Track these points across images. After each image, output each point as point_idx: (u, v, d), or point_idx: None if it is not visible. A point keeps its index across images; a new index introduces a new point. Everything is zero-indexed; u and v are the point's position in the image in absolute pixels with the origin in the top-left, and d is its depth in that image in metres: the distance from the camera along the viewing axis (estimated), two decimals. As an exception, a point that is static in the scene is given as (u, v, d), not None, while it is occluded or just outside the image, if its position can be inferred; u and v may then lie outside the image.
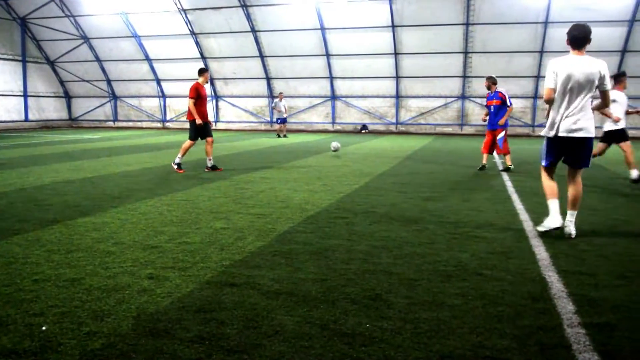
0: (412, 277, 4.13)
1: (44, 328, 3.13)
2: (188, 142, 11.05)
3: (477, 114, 27.89)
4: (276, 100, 25.31)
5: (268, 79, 30.33)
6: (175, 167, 10.92)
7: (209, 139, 11.21)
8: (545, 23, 24.75)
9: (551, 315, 3.42)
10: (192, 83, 11.08)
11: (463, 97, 27.88)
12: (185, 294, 3.73)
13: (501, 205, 7.33)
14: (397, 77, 28.19)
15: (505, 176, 10.52)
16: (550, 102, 5.51)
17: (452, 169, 11.91)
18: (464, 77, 27.31)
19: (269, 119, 31.21)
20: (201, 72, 11.23)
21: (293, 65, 29.50)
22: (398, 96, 28.60)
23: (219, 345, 2.93)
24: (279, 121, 25.10)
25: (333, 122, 30.22)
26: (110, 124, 34.63)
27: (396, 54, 27.30)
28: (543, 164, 5.83)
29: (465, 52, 26.53)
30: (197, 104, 10.91)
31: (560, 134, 5.49)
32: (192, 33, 29.45)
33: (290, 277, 4.12)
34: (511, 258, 4.70)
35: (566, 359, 2.83)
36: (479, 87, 27.43)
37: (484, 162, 11.73)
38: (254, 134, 27.32)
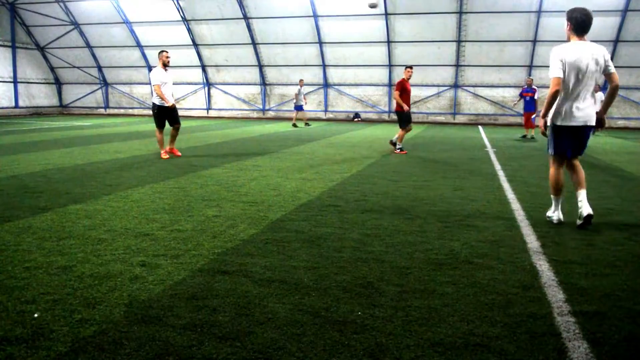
0: (403, 265, 4.15)
1: (35, 315, 3.13)
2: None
3: (469, 103, 27.95)
4: (299, 87, 24.08)
5: (260, 66, 30.19)
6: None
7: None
8: (539, 12, 24.76)
9: (541, 303, 3.45)
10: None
11: (456, 86, 27.90)
12: (177, 282, 3.73)
13: (492, 194, 7.36)
14: (390, 66, 28.14)
15: (497, 165, 10.56)
16: (557, 92, 5.31)
17: (444, 157, 11.94)
18: (457, 65, 27.32)
19: (261, 106, 31.12)
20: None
21: (285, 53, 29.37)
22: (391, 84, 28.55)
23: (211, 333, 2.94)
24: (298, 109, 23.84)
25: (325, 110, 30.18)
26: (102, 111, 34.39)
27: (389, 42, 27.25)
28: (551, 152, 5.66)
29: (458, 41, 26.51)
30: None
31: (573, 124, 5.40)
32: (184, 20, 29.22)
33: (282, 265, 4.13)
34: (502, 247, 4.73)
35: (556, 347, 2.86)
36: (472, 75, 27.49)
37: (526, 133, 18.59)
38: (246, 122, 27.24)
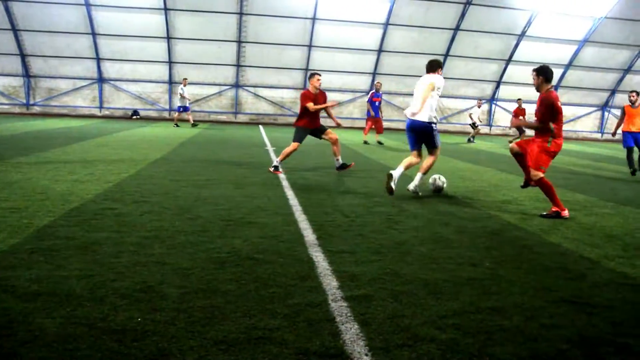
0: (185, 266, 4.08)
1: None
2: None
3: (250, 102, 28.64)
4: (182, 86, 22.71)
5: (23, 55, 26.93)
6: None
7: None
8: (314, 19, 26.39)
9: (318, 292, 3.68)
10: None
11: (237, 85, 28.33)
12: None
13: (272, 192, 7.64)
14: (171, 62, 27.45)
15: (276, 163, 10.95)
16: None
17: (226, 156, 12.04)
18: (238, 65, 27.76)
19: (24, 100, 27.85)
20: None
21: (53, 42, 26.59)
22: (171, 82, 27.87)
23: (-39, 360, 2.55)
24: (180, 109, 22.66)
25: (101, 107, 28.22)
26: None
27: (169, 38, 26.53)
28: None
29: (239, 41, 26.96)
30: None
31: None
32: None
33: (51, 275, 3.75)
34: (282, 241, 4.94)
35: (331, 331, 3.07)
36: (252, 76, 28.17)
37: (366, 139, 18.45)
38: (7, 118, 24.11)
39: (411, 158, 7.97)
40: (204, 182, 8.21)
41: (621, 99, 31.35)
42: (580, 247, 5.30)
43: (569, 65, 29.77)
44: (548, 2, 26.39)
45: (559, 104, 6.68)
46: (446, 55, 28.35)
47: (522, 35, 28.11)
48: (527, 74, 28.72)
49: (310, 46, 27.31)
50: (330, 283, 3.86)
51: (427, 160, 7.99)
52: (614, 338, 3.17)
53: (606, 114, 31.97)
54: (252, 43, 27.11)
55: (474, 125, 22.34)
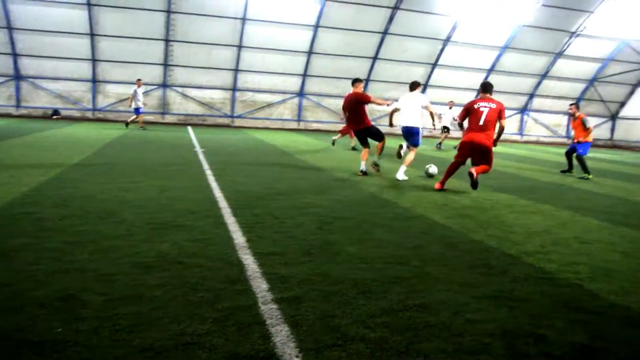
0: (109, 272, 3.93)
1: None
2: None
3: (178, 103, 28.00)
4: (136, 88, 21.63)
5: None
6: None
7: None
8: (244, 20, 26.16)
9: (247, 295, 3.64)
10: None
11: (165, 85, 27.64)
12: None
13: (201, 194, 7.51)
14: (94, 60, 26.39)
15: (205, 165, 10.80)
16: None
17: (153, 158, 11.73)
18: (166, 65, 27.10)
19: None
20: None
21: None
22: (95, 80, 26.82)
23: None
24: (137, 111, 21.67)
25: (17, 106, 26.70)
26: None
27: (92, 34, 25.51)
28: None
29: (167, 40, 26.32)
30: None
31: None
32: None
33: (-38, 285, 3.52)
34: (211, 244, 4.86)
35: (261, 334, 3.06)
36: (181, 76, 27.56)
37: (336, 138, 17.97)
38: None
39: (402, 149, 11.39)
40: (129, 184, 7.95)
41: (538, 102, 33.13)
42: (502, 244, 5.53)
43: (491, 70, 31.04)
44: (470, 9, 27.41)
45: (467, 106, 8.99)
46: (375, 58, 28.86)
47: (448, 40, 29.04)
48: (452, 78, 29.53)
49: (240, 46, 27.05)
50: (260, 285, 3.84)
51: (410, 156, 10.60)
52: (533, 330, 3.33)
53: (525, 117, 33.54)
54: (180, 42, 26.51)
55: (444, 129, 21.35)
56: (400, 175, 10.31)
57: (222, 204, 6.85)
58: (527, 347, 3.11)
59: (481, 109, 8.71)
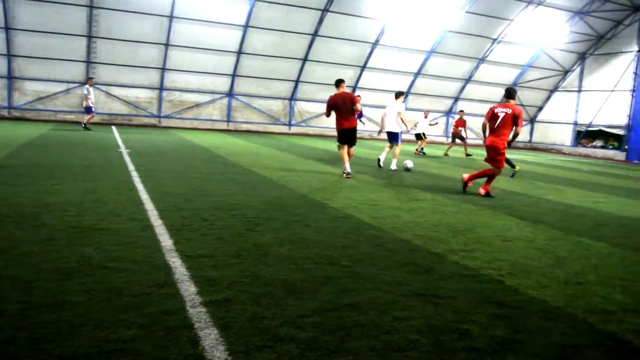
0: (28, 279, 3.74)
1: None
2: None
3: (102, 102, 26.94)
4: (87, 86, 20.96)
5: None
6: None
7: None
8: (171, 17, 25.57)
9: (175, 299, 3.57)
10: None
11: (83, 83, 26.57)
12: None
13: (126, 196, 7.27)
14: (10, 56, 24.97)
15: (131, 166, 10.48)
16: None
17: (76, 159, 11.25)
18: (88, 62, 26.05)
19: None
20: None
21: None
22: (10, 77, 25.39)
23: None
24: (92, 110, 21.33)
25: None
26: None
27: (7, 28, 24.13)
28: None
29: (90, 36, 25.32)
30: None
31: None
32: None
33: None
34: (137, 247, 4.72)
35: (189, 338, 3.00)
36: (105, 74, 26.58)
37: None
38: None
39: (387, 148, 14.05)
40: (49, 186, 7.58)
41: (461, 105, 34.36)
42: (429, 243, 5.70)
43: (418, 74, 31.93)
44: (398, 13, 28.07)
45: (489, 111, 9.77)
46: (305, 59, 28.99)
47: (376, 43, 29.59)
48: (381, 80, 30.15)
49: (167, 45, 26.41)
50: (188, 289, 3.77)
51: (395, 150, 13.82)
52: (458, 325, 3.46)
53: (450, 119, 34.70)
54: (104, 39, 25.56)
55: (421, 136, 21.21)
56: (393, 166, 13.58)
57: (149, 206, 6.67)
58: (453, 342, 3.22)
59: (499, 114, 9.44)
